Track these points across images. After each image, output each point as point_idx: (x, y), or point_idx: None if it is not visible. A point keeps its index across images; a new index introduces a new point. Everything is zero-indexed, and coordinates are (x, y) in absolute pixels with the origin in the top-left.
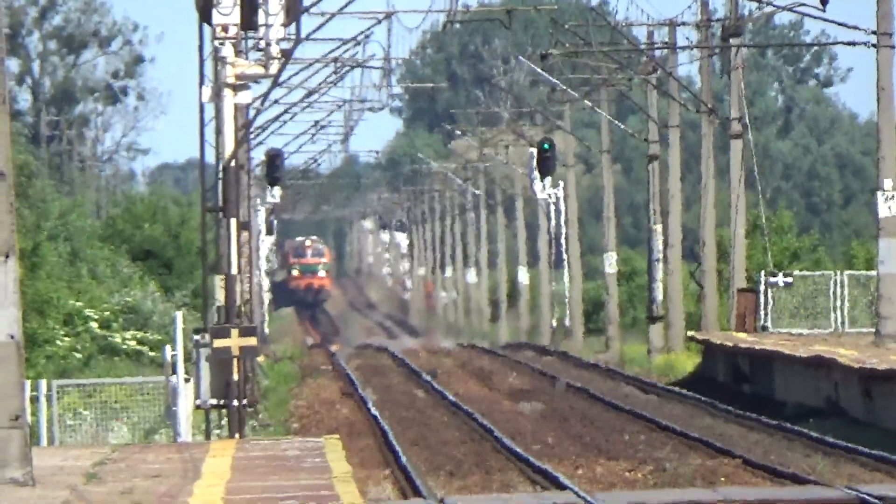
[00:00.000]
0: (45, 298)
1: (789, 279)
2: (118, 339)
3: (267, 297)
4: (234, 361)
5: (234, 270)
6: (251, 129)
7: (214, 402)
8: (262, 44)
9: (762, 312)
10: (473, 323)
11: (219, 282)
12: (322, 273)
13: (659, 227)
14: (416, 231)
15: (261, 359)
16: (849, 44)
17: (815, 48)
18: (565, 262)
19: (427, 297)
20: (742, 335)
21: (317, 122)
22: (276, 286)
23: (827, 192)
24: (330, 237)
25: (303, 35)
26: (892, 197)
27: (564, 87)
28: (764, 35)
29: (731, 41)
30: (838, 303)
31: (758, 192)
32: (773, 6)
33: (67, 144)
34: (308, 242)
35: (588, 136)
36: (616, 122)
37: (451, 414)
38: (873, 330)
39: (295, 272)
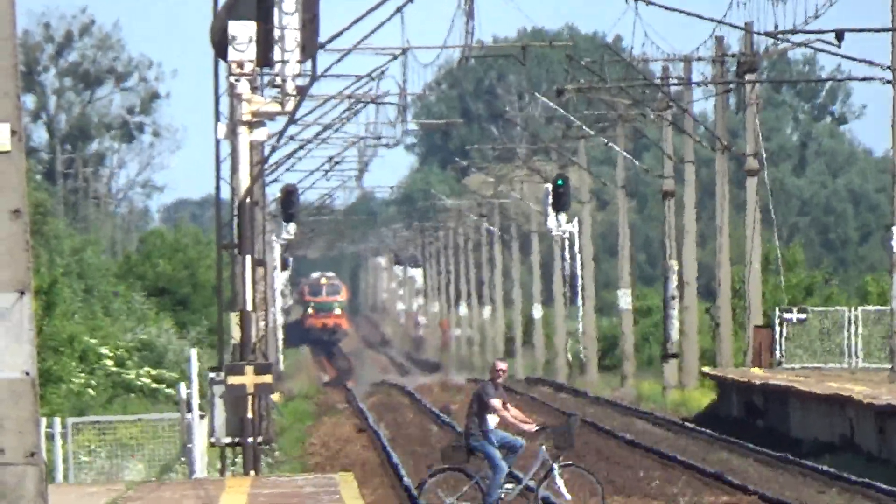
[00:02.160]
0: (60, 336)
1: (804, 315)
2: (133, 376)
3: (280, 334)
4: (249, 399)
5: (249, 307)
6: (266, 166)
7: (229, 439)
8: (278, 80)
9: (777, 348)
10: (488, 359)
11: (234, 319)
12: (338, 311)
13: (674, 264)
14: (431, 267)
15: (275, 396)
16: (864, 79)
17: (831, 84)
18: (580, 299)
19: (442, 335)
20: (757, 371)
21: (331, 158)
22: (291, 325)
23: (842, 229)
24: (345, 273)
25: (319, 72)
26: None
27: (579, 123)
28: (779, 71)
29: (747, 77)
30: (853, 338)
31: (773, 228)
32: (789, 42)
33: (83, 181)
34: (324, 280)
35: (603, 172)
36: (631, 158)
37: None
38: (888, 366)
39: (310, 310)
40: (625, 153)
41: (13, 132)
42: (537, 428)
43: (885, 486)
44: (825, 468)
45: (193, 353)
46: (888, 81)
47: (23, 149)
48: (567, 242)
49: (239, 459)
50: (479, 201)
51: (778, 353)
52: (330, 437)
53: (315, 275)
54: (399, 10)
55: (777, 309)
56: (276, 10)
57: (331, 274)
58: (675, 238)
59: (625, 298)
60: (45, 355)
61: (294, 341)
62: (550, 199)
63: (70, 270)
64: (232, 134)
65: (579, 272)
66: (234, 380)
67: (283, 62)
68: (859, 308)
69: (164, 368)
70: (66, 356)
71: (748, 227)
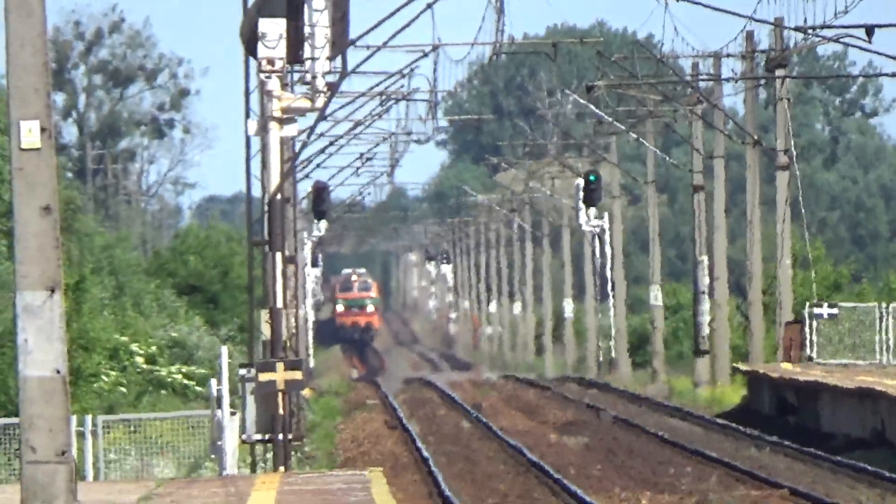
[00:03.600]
0: (90, 334)
1: (834, 310)
2: (164, 374)
3: (311, 330)
4: (280, 395)
5: (279, 304)
6: (297, 162)
7: (260, 436)
8: (308, 77)
9: (808, 344)
10: (519, 356)
11: (264, 316)
12: (370, 308)
13: (705, 259)
14: (462, 263)
15: (306, 392)
16: (894, 75)
17: (861, 79)
18: (611, 295)
19: (474, 333)
20: (787, 367)
21: (362, 155)
22: (322, 324)
23: (873, 224)
24: (376, 270)
25: (349, 68)
26: None
27: (610, 120)
28: (809, 66)
29: (777, 72)
30: (883, 334)
31: (803, 223)
32: (819, 37)
33: (113, 178)
34: (355, 276)
35: (633, 167)
36: (661, 153)
37: (496, 447)
38: None
39: (340, 307)
40: (655, 149)
41: (43, 129)
42: None
43: None
44: (856, 463)
45: (224, 350)
46: None
47: (53, 146)
48: (598, 238)
49: (269, 456)
50: (509, 197)
51: (809, 349)
52: (360, 433)
53: (346, 271)
54: (429, 6)
55: (808, 305)
56: (305, 7)
57: (362, 270)
58: (705, 233)
59: (655, 294)
60: (76, 353)
61: (325, 340)
62: (581, 195)
63: (100, 267)
64: (262, 130)
65: (609, 268)
66: (264, 376)
67: (313, 59)
68: (891, 305)
69: (194, 365)
70: (97, 354)
71: (778, 223)
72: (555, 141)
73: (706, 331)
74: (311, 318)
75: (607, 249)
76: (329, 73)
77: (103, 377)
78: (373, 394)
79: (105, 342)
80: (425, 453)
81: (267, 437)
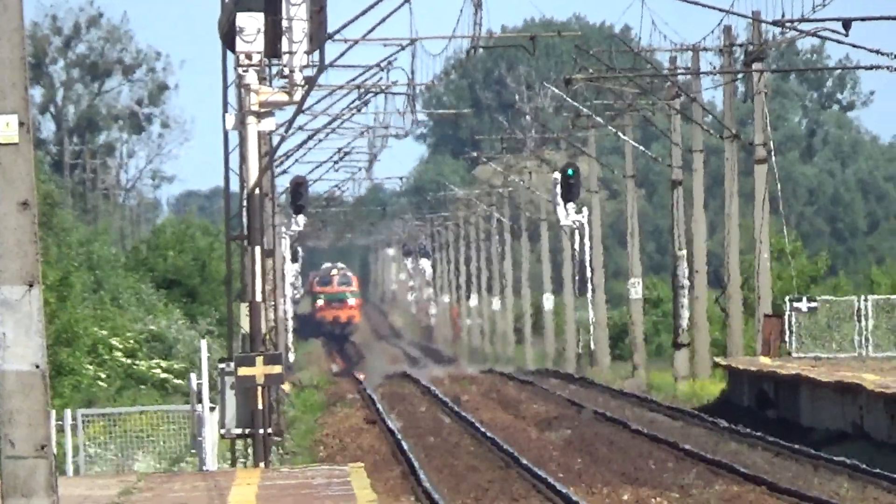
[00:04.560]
0: (72, 329)
1: (814, 304)
2: (143, 368)
3: (290, 324)
4: (260, 390)
5: (258, 298)
6: (275, 157)
7: (239, 430)
8: (286, 71)
9: (787, 337)
10: (498, 349)
11: (244, 310)
12: (351, 302)
13: (684, 253)
14: (441, 258)
15: (286, 387)
16: (871, 68)
17: (838, 73)
18: (590, 289)
19: (454, 324)
20: (767, 360)
21: (340, 150)
22: (301, 319)
23: (851, 218)
24: (355, 265)
25: (327, 62)
26: None
27: (588, 113)
28: (787, 60)
29: (755, 66)
30: (862, 328)
31: (781, 217)
32: (797, 31)
33: (91, 173)
34: (334, 270)
35: (612, 161)
36: (640, 147)
37: (476, 441)
38: None
39: (320, 302)
40: (633, 142)
41: (21, 124)
42: None
43: (895, 475)
44: (836, 457)
45: (203, 344)
46: (895, 69)
47: (31, 140)
48: (576, 232)
49: (249, 451)
50: (488, 191)
51: (788, 343)
52: (341, 427)
53: (326, 266)
54: (407, 0)
55: (787, 298)
56: (283, 1)
57: (341, 265)
58: (684, 227)
59: (635, 288)
60: (56, 348)
61: (305, 334)
62: (560, 189)
63: (79, 263)
64: (240, 124)
65: (588, 262)
66: (244, 371)
67: (291, 53)
68: (869, 297)
69: (173, 360)
70: (77, 349)
71: (756, 216)
72: (533, 135)
73: (685, 324)
74: (291, 312)
75: (586, 244)
76: (307, 66)
77: (83, 371)
78: (353, 388)
79: (85, 337)
80: (405, 448)
81: (247, 431)
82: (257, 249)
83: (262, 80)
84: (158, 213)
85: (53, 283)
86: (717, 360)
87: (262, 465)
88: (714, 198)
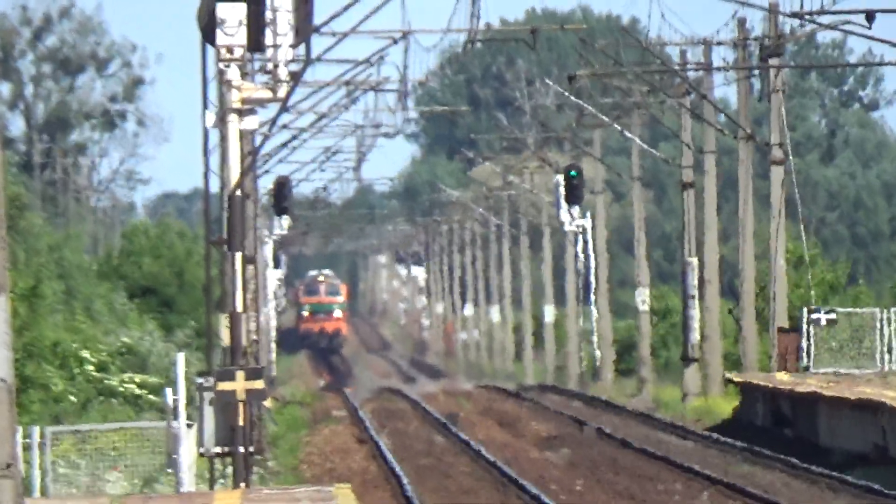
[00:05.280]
0: (42, 343)
1: (832, 316)
2: (115, 382)
3: (273, 336)
4: (240, 406)
5: (239, 308)
6: (258, 157)
7: (219, 449)
8: (270, 66)
9: (804, 352)
10: (497, 363)
11: (223, 320)
12: (338, 313)
13: (694, 261)
14: (435, 265)
15: (268, 403)
16: None
17: (861, 69)
18: (593, 298)
19: (447, 339)
20: (783, 376)
21: (328, 149)
22: (286, 332)
23: (874, 223)
24: (342, 272)
25: (313, 56)
26: None
27: (593, 111)
28: (805, 55)
29: (771, 61)
30: (884, 341)
31: (799, 222)
32: (816, 24)
33: (62, 174)
34: (321, 278)
35: (618, 162)
36: (648, 147)
37: (472, 461)
38: None
39: (306, 312)
40: (641, 142)
41: None
42: None
43: None
44: (857, 481)
45: (180, 357)
46: None
47: None
48: (580, 237)
49: (229, 471)
50: (486, 194)
51: (805, 358)
52: (327, 446)
53: (312, 273)
54: None
55: (805, 309)
56: None
57: (329, 272)
58: (695, 232)
59: (641, 298)
60: (25, 361)
61: (289, 346)
62: (563, 192)
63: (48, 270)
64: (221, 122)
65: (593, 269)
66: (223, 385)
67: (276, 46)
68: (892, 309)
69: (148, 373)
70: (47, 362)
71: (772, 221)
72: (534, 134)
73: (696, 337)
74: (274, 323)
75: (590, 250)
76: (292, 61)
77: (52, 386)
78: (340, 404)
79: (55, 349)
80: (396, 468)
81: (226, 450)
82: (238, 255)
83: (244, 75)
84: (133, 216)
85: (23, 291)
86: (730, 375)
87: (242, 485)
88: (727, 202)
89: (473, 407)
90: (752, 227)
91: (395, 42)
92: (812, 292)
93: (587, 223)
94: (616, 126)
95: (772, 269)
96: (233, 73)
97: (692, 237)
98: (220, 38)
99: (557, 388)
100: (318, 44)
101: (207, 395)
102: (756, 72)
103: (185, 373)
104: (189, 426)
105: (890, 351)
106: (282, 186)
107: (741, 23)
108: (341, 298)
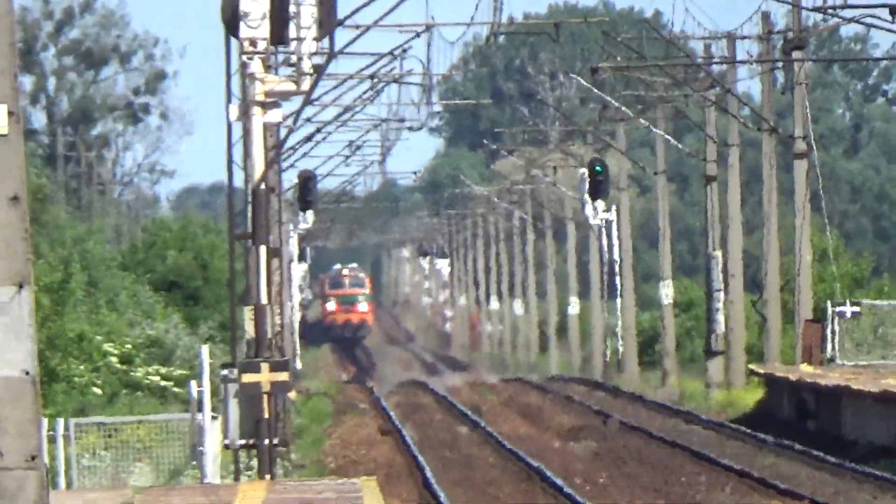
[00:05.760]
0: (67, 336)
1: (857, 308)
2: (140, 375)
3: (297, 329)
4: (265, 398)
5: (263, 301)
6: (282, 150)
7: (243, 441)
8: (294, 59)
9: (828, 344)
10: (521, 356)
11: (248, 313)
12: (363, 306)
13: (718, 254)
14: (458, 258)
15: (293, 395)
16: None
17: (885, 63)
18: (618, 292)
19: (472, 331)
20: (807, 368)
21: (351, 143)
22: (311, 326)
23: None
24: (366, 265)
25: (337, 49)
26: None
27: (617, 105)
28: (829, 49)
29: (795, 55)
30: None
31: (823, 215)
32: (840, 17)
33: (85, 167)
34: (346, 271)
35: (642, 156)
36: (672, 140)
37: (496, 453)
38: None
39: (331, 305)
40: (665, 136)
41: (10, 114)
42: None
43: None
44: (882, 473)
45: (204, 349)
46: None
47: (21, 132)
48: (604, 232)
49: (254, 463)
50: (509, 187)
51: (830, 350)
52: (351, 438)
53: (336, 266)
54: None
55: (829, 302)
56: None
57: (354, 265)
58: (718, 226)
59: (665, 291)
60: (50, 353)
61: (313, 339)
62: (587, 186)
63: (71, 262)
64: (245, 116)
65: (617, 263)
66: (248, 378)
67: (299, 39)
68: None
69: (173, 366)
70: (72, 355)
71: (797, 215)
72: (557, 127)
73: (720, 330)
74: (298, 315)
75: (615, 244)
76: (315, 54)
77: (76, 378)
78: (364, 397)
79: (81, 343)
80: (421, 460)
81: (251, 442)
82: (262, 249)
83: (267, 68)
84: (157, 209)
85: (50, 285)
86: (754, 367)
87: (267, 477)
88: (751, 195)
89: (497, 399)
90: (776, 220)
91: (419, 35)
92: (836, 285)
93: (612, 217)
94: (640, 120)
95: (796, 261)
96: (256, 67)
97: (716, 230)
98: (244, 31)
99: (582, 380)
100: (342, 37)
101: (232, 388)
102: (780, 65)
103: (209, 365)
104: (214, 418)
105: None
106: (307, 181)
107: (765, 17)
108: (366, 290)
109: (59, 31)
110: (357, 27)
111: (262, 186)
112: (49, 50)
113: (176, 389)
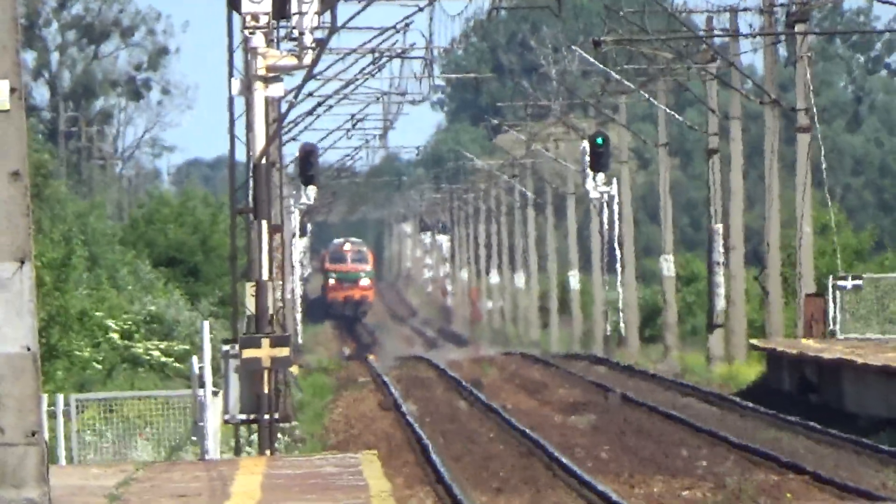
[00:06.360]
0: (70, 312)
1: (859, 282)
2: (140, 350)
3: (299, 304)
4: (266, 373)
5: (265, 276)
6: (284, 124)
7: (244, 416)
8: (296, 33)
9: (830, 318)
10: (521, 331)
11: (249, 288)
12: (365, 282)
13: (720, 227)
14: (459, 232)
15: (294, 370)
16: None
17: (888, 35)
18: (619, 266)
19: (473, 305)
20: (808, 342)
21: (353, 116)
22: (313, 302)
23: None
24: (368, 240)
25: (339, 23)
26: None
27: (619, 78)
28: (831, 22)
29: (797, 28)
30: None
31: (825, 189)
32: None
33: (87, 142)
34: (348, 246)
35: (644, 129)
36: (674, 114)
37: (497, 427)
38: None
39: (332, 280)
40: (667, 109)
41: (13, 90)
42: None
43: None
44: (882, 446)
45: (205, 325)
46: None
47: (23, 107)
48: (605, 205)
49: (254, 438)
50: (510, 161)
51: (831, 323)
52: (352, 413)
53: (338, 241)
54: None
55: (831, 276)
56: None
57: (356, 240)
58: (720, 200)
59: (667, 265)
60: (50, 329)
61: (315, 317)
62: (588, 159)
63: (72, 237)
64: (246, 90)
65: (618, 237)
66: (249, 353)
67: (301, 13)
68: None
69: (173, 341)
70: (72, 330)
71: (798, 188)
72: (559, 101)
73: (721, 304)
74: (299, 291)
75: (615, 218)
76: (317, 28)
77: (77, 353)
78: (365, 371)
79: (81, 318)
80: (422, 435)
81: (252, 417)
82: (264, 224)
83: (269, 42)
84: (158, 184)
85: (52, 262)
86: (755, 341)
87: (267, 452)
88: (753, 168)
89: (498, 373)
90: (778, 193)
91: (421, 9)
92: (838, 259)
93: (613, 190)
94: (642, 93)
95: (798, 235)
96: (258, 41)
97: (718, 204)
98: (246, 6)
99: (583, 355)
100: (344, 11)
101: (233, 363)
102: (782, 38)
103: (210, 340)
104: (215, 394)
105: None
106: (308, 155)
107: None
108: (368, 266)
109: (61, 7)
110: (359, 1)
111: (264, 161)
112: (51, 25)
113: (177, 365)
